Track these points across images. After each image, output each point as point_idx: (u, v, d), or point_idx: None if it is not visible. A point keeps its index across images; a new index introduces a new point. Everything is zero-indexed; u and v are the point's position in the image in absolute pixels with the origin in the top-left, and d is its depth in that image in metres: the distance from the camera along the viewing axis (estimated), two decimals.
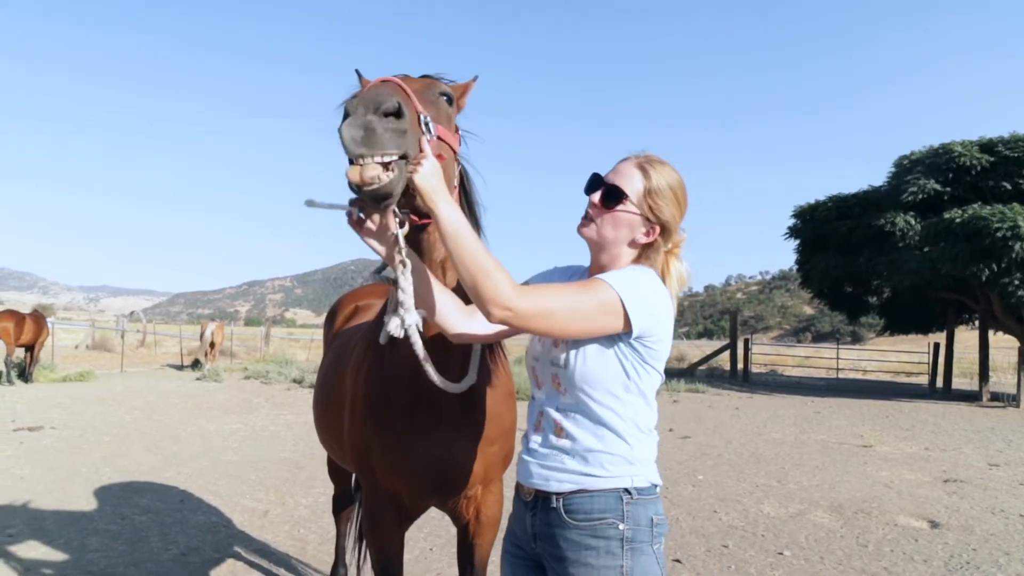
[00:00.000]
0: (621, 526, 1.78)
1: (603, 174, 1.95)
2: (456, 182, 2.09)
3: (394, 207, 1.74)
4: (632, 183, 1.88)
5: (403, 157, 1.61)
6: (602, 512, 1.79)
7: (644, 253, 1.93)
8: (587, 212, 1.95)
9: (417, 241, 2.02)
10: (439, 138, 1.84)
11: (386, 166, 1.57)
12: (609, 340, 1.81)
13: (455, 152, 2.03)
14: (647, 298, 1.79)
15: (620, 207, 1.87)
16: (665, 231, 1.91)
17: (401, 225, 1.81)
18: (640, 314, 1.76)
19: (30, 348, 16.45)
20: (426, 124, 1.74)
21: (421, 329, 1.81)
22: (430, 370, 1.99)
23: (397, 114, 1.58)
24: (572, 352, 1.83)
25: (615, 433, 1.82)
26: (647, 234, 1.90)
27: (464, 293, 2.04)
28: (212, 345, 20.27)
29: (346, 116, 1.57)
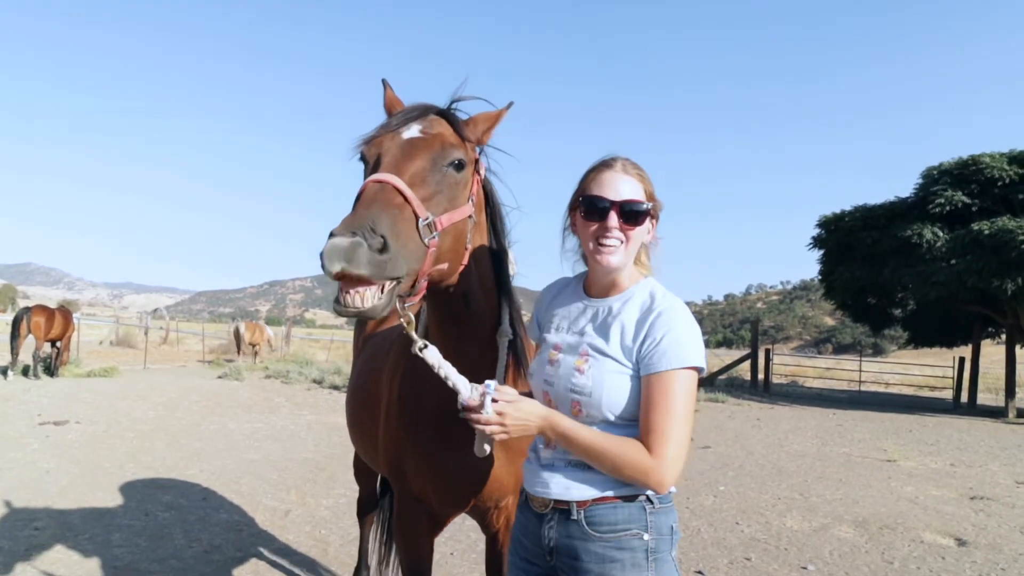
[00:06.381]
0: (646, 536, 1.74)
1: (592, 195, 1.81)
2: (472, 223, 2.01)
3: (398, 307, 1.74)
4: (640, 192, 1.82)
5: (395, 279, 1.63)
6: (626, 523, 1.74)
7: (643, 250, 1.91)
8: (608, 237, 1.80)
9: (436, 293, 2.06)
10: (446, 222, 1.84)
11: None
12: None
13: (469, 216, 1.97)
14: (700, 341, 1.79)
15: (646, 221, 1.84)
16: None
17: (408, 319, 1.84)
18: (704, 361, 1.78)
19: (55, 342, 16.74)
20: (428, 226, 1.73)
21: (496, 397, 1.73)
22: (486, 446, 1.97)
23: (383, 249, 1.57)
24: (598, 383, 1.77)
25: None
26: (649, 232, 1.88)
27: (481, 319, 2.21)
28: (257, 343, 20.68)
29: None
